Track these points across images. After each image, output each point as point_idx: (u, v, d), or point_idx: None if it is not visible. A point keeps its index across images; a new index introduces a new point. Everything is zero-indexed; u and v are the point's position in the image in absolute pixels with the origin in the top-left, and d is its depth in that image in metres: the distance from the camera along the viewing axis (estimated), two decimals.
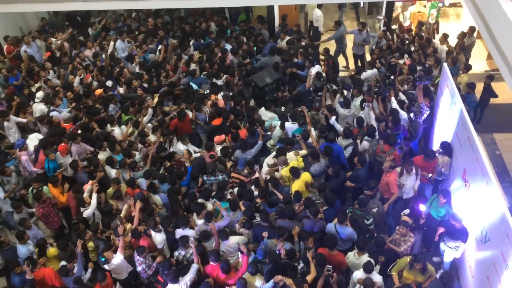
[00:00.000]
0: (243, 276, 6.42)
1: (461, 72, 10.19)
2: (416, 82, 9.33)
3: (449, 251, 7.11)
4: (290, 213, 7.06)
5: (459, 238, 6.85)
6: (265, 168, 8.37)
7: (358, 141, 8.47)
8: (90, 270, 7.17)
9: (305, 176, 7.82)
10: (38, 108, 10.21)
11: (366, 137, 8.37)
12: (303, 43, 11.65)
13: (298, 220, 7.20)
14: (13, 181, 8.68)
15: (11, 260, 7.26)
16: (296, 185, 7.69)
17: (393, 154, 8.01)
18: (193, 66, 11.18)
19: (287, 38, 11.90)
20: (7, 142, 9.59)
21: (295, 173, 7.76)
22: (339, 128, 8.89)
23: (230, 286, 6.51)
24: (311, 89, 10.13)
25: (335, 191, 7.79)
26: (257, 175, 7.97)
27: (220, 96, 9.98)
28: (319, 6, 13.48)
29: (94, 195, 7.89)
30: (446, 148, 7.89)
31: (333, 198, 7.34)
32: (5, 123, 9.68)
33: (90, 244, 7.46)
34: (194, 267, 6.56)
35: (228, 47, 11.73)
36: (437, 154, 8.00)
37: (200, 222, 7.38)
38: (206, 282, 6.32)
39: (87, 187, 8.10)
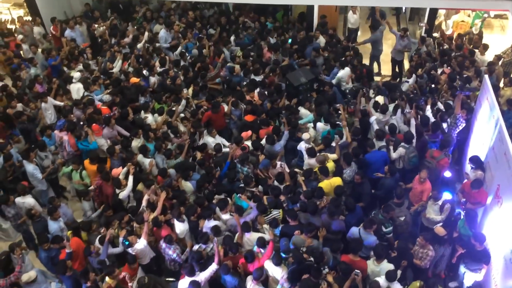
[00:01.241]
0: (265, 266, 6.44)
1: (504, 85, 9.89)
2: (456, 91, 9.12)
3: (470, 274, 6.87)
4: (312, 208, 7.05)
5: (481, 260, 6.61)
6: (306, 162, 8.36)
7: (391, 147, 8.32)
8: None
9: (336, 181, 7.76)
10: (76, 87, 10.50)
11: (403, 144, 8.24)
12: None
13: (319, 215, 7.19)
14: (50, 158, 8.96)
15: (41, 233, 7.49)
16: (323, 186, 7.65)
17: (443, 160, 7.97)
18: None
19: (321, 37, 11.90)
20: (44, 122, 9.87)
21: (324, 171, 7.73)
22: (376, 127, 8.78)
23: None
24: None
25: (359, 197, 7.75)
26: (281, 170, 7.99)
27: (256, 92, 9.98)
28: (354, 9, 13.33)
29: (131, 177, 8.04)
30: (477, 162, 7.74)
31: (353, 203, 7.27)
32: (43, 104, 9.97)
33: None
34: (214, 267, 6.58)
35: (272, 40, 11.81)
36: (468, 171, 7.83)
37: (225, 217, 7.41)
38: (225, 265, 6.40)
39: (122, 170, 8.26)
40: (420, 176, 7.62)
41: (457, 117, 8.65)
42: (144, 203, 7.61)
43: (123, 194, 7.98)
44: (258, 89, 10.04)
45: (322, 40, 11.91)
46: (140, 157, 8.65)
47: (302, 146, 8.49)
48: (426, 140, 8.47)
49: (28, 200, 8.10)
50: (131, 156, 8.49)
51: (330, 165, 8.02)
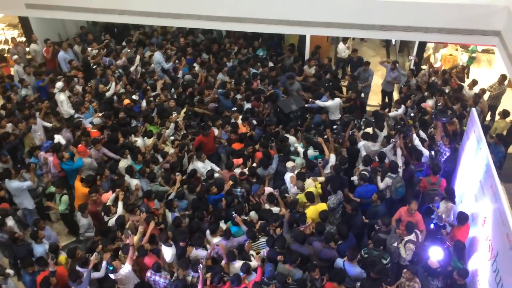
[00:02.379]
0: None
1: (499, 117, 10.15)
2: (432, 119, 9.31)
3: None
4: (301, 238, 7.03)
5: None
6: (288, 185, 8.41)
7: (378, 177, 8.37)
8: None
9: (321, 207, 7.76)
10: (60, 99, 10.56)
11: (389, 174, 8.28)
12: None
13: (309, 243, 7.16)
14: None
15: (24, 257, 7.34)
16: (310, 211, 7.65)
17: (443, 182, 8.12)
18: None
19: (314, 66, 12.07)
20: (32, 143, 9.81)
21: (310, 198, 7.74)
22: (364, 153, 8.87)
23: None
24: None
25: (350, 227, 7.74)
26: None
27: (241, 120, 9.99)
28: (345, 40, 13.64)
29: (120, 203, 7.97)
30: (451, 194, 7.87)
31: (345, 230, 7.25)
32: (33, 126, 9.93)
33: (62, 258, 7.47)
34: None
35: (254, 70, 11.93)
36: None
37: (215, 240, 7.34)
38: None
39: (110, 196, 8.19)
40: (410, 207, 7.55)
41: (439, 145, 8.80)
42: (140, 229, 7.43)
43: (112, 221, 7.87)
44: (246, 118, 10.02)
45: (312, 71, 12.08)
46: (127, 177, 8.62)
47: (287, 176, 8.49)
48: (412, 169, 8.55)
49: (9, 222, 7.97)
50: (121, 181, 8.42)
51: (315, 190, 8.04)
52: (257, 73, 11.67)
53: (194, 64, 12.28)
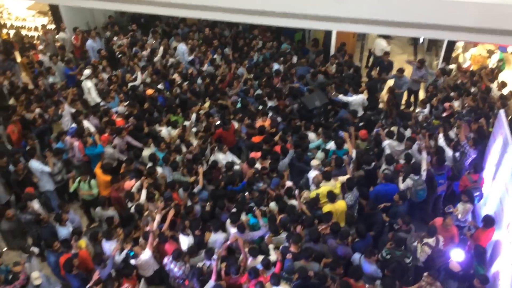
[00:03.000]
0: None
1: None
2: (455, 118, 9.24)
3: None
4: (314, 236, 7.03)
5: None
6: (310, 182, 8.33)
7: (400, 178, 8.24)
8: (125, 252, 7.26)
9: (340, 204, 7.74)
10: (87, 86, 10.76)
11: (411, 175, 8.11)
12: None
13: (324, 242, 7.15)
14: (59, 165, 9.03)
15: (48, 238, 7.52)
16: (327, 209, 7.65)
17: (483, 181, 8.09)
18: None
19: (336, 62, 11.99)
20: (61, 128, 10.03)
21: (331, 197, 7.70)
22: (388, 152, 8.77)
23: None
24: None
25: (370, 226, 7.70)
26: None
27: (268, 117, 9.91)
28: (385, 36, 13.19)
29: (144, 191, 8.08)
30: (470, 196, 7.77)
31: (364, 230, 7.22)
32: (60, 112, 10.13)
33: (82, 243, 7.61)
34: (211, 284, 6.55)
35: (277, 66, 11.89)
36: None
37: (234, 230, 7.39)
38: (218, 285, 6.40)
39: (136, 183, 8.30)
40: (446, 223, 7.32)
41: (464, 145, 8.64)
42: (158, 218, 7.52)
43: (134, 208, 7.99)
44: (270, 114, 10.01)
45: (333, 68, 11.96)
46: (150, 165, 8.73)
47: (311, 175, 8.41)
48: (431, 172, 8.35)
49: (35, 205, 8.20)
50: (153, 170, 8.48)
51: (337, 190, 7.98)
52: (280, 70, 11.58)
53: (215, 56, 12.31)
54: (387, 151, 8.84)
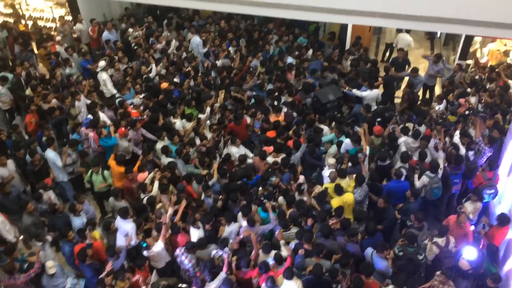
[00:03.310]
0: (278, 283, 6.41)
1: None
2: (469, 114, 9.12)
3: None
4: (325, 231, 7.04)
5: None
6: (326, 180, 8.31)
7: (416, 176, 8.16)
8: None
9: (347, 197, 7.72)
10: (102, 78, 10.86)
11: (427, 172, 8.02)
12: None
13: (334, 238, 7.15)
14: (74, 156, 9.15)
15: (63, 228, 7.64)
16: (335, 202, 7.65)
17: (498, 177, 8.03)
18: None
19: (351, 58, 11.86)
20: (77, 119, 10.16)
21: (338, 190, 7.71)
22: (404, 149, 8.67)
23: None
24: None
25: (380, 221, 7.68)
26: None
27: (283, 113, 9.90)
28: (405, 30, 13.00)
29: (156, 183, 8.16)
30: (479, 194, 7.68)
31: (374, 228, 7.21)
32: (76, 103, 10.26)
33: (96, 234, 7.67)
34: (222, 276, 6.58)
35: (290, 60, 11.81)
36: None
37: (245, 223, 7.43)
38: (228, 279, 6.43)
39: (149, 175, 8.37)
40: (459, 220, 7.29)
41: (479, 143, 8.55)
42: (170, 211, 7.58)
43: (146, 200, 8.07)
44: (285, 109, 9.98)
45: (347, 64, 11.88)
46: (162, 157, 8.81)
47: (325, 173, 8.37)
48: (447, 171, 8.27)
49: (51, 195, 8.37)
50: (173, 165, 8.49)
51: (351, 189, 7.96)
52: (293, 64, 11.50)
53: (230, 48, 12.29)
54: (403, 148, 8.72)
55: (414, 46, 13.54)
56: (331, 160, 8.44)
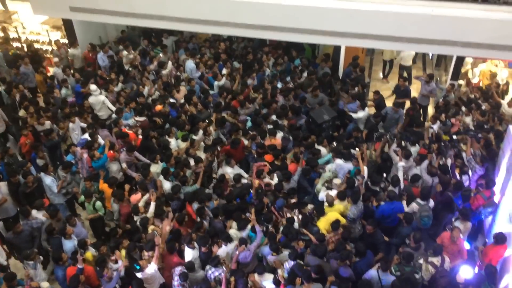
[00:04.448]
0: None
1: None
2: (461, 132, 9.24)
3: None
4: (321, 252, 7.00)
5: None
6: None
7: (404, 201, 8.07)
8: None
9: (333, 216, 7.69)
10: (99, 100, 10.85)
11: (418, 200, 7.91)
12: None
13: (327, 259, 7.09)
14: (68, 178, 9.12)
15: (57, 250, 7.59)
16: (322, 224, 7.64)
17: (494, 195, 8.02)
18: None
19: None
20: (70, 141, 10.15)
21: (320, 211, 7.80)
22: (401, 176, 8.54)
23: None
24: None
25: (370, 245, 7.63)
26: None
27: (279, 136, 9.88)
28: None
29: (153, 204, 8.11)
30: (466, 215, 7.63)
31: (364, 248, 7.16)
32: (70, 125, 10.26)
33: (123, 253, 7.63)
34: None
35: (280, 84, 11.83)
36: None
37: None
38: None
39: (143, 197, 8.35)
40: (453, 235, 7.27)
41: (468, 160, 8.58)
42: (168, 227, 7.61)
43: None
44: (281, 134, 9.94)
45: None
46: (161, 179, 8.80)
47: (322, 195, 8.33)
48: (450, 196, 8.15)
49: (40, 216, 8.29)
50: (177, 188, 8.50)
51: (346, 210, 7.92)
52: (276, 87, 11.54)
53: (223, 70, 12.32)
54: (400, 172, 8.62)
55: None
56: (336, 181, 8.40)
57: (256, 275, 6.95)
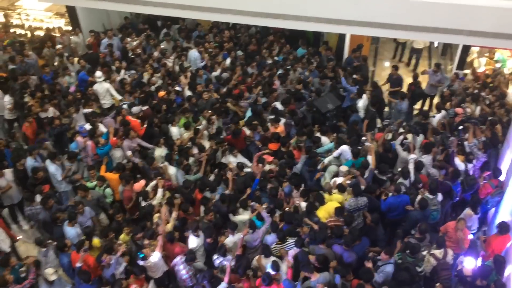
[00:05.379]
0: None
1: None
2: (463, 121, 9.20)
3: None
4: (322, 237, 7.01)
5: None
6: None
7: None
8: (124, 264, 7.30)
9: (332, 205, 7.71)
10: (104, 88, 10.79)
11: (426, 194, 7.82)
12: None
13: (329, 246, 7.10)
14: (74, 168, 9.19)
15: (60, 238, 7.63)
16: (321, 212, 7.64)
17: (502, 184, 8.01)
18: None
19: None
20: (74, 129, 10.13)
21: (320, 199, 7.83)
22: (412, 169, 8.45)
23: None
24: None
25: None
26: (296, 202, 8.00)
27: (282, 123, 9.87)
28: None
29: (160, 190, 8.15)
30: (475, 206, 7.66)
31: (357, 232, 7.18)
32: (74, 114, 10.24)
33: (123, 236, 7.69)
34: (223, 286, 6.57)
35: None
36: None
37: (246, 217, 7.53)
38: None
39: (151, 183, 8.38)
40: (457, 226, 7.29)
41: (471, 147, 8.57)
42: (174, 215, 7.64)
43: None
44: (283, 120, 9.93)
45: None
46: (166, 164, 8.81)
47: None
48: (449, 185, 8.15)
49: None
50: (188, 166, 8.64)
51: (342, 200, 7.93)
52: (274, 75, 11.49)
53: (227, 59, 12.25)
54: (411, 165, 8.52)
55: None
56: (343, 168, 8.37)
57: (263, 257, 7.00)
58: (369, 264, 6.71)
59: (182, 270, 7.00)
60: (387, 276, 6.66)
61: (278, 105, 10.43)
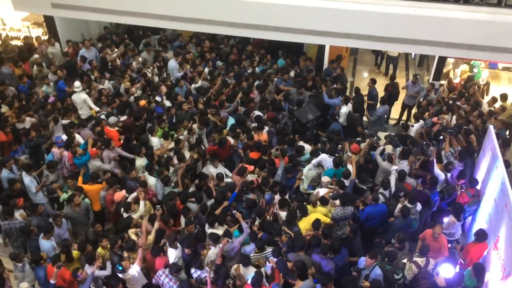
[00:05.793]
0: None
1: None
2: (440, 131, 9.39)
3: None
4: (301, 245, 6.98)
5: None
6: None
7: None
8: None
9: (314, 216, 7.64)
10: (82, 98, 10.63)
11: (405, 203, 7.83)
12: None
13: (308, 254, 7.08)
14: (52, 178, 8.99)
15: (35, 251, 7.46)
16: (303, 224, 7.61)
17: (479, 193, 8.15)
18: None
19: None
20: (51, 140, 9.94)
21: (303, 210, 7.75)
22: (393, 180, 8.51)
23: None
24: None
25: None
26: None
27: (265, 131, 9.88)
28: None
29: (142, 202, 8.03)
30: (458, 213, 7.76)
31: (338, 245, 7.14)
32: (53, 126, 10.02)
33: (100, 250, 7.55)
34: None
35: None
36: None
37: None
38: None
39: (132, 194, 8.27)
40: (434, 231, 7.35)
41: (448, 156, 8.71)
42: (156, 225, 7.51)
43: (135, 216, 7.90)
44: (266, 128, 9.96)
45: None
46: (146, 174, 8.70)
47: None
48: (427, 193, 8.25)
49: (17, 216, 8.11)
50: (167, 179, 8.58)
51: (326, 212, 7.93)
52: (252, 85, 11.54)
53: (205, 69, 12.21)
54: (393, 176, 8.58)
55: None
56: (325, 179, 8.40)
57: (241, 266, 6.94)
58: (354, 273, 6.73)
59: (170, 282, 6.84)
60: (380, 277, 6.72)
61: (258, 113, 10.48)
